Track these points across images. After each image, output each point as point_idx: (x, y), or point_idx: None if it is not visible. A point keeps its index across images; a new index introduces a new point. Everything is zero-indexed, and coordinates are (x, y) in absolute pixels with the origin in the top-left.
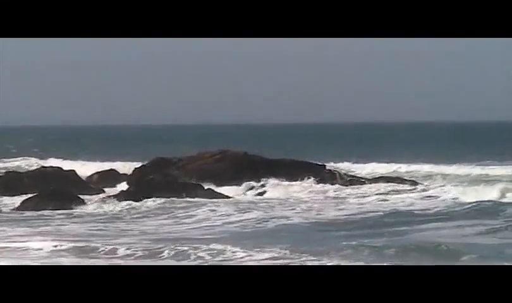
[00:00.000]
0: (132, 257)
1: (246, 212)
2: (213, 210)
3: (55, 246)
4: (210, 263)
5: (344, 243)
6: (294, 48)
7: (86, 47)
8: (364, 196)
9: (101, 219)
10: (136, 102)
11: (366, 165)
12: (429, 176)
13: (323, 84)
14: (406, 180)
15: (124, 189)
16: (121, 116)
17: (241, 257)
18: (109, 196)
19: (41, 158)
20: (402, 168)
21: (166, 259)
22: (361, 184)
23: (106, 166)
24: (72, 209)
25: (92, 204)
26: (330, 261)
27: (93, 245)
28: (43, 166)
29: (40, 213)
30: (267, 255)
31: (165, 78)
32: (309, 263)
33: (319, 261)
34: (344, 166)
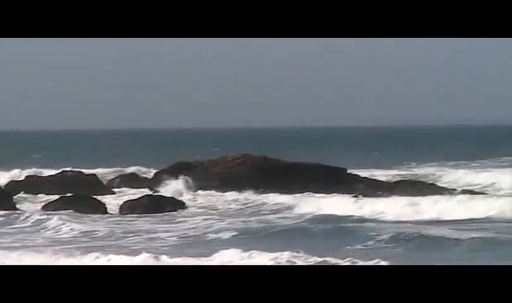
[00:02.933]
0: None
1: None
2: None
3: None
4: (209, 263)
5: None
6: (294, 49)
7: (86, 48)
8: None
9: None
10: (131, 105)
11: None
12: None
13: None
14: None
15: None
16: (115, 119)
17: None
18: (130, 200)
19: None
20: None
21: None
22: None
23: None
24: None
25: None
26: None
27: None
28: (65, 170)
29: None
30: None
31: (164, 79)
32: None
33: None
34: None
